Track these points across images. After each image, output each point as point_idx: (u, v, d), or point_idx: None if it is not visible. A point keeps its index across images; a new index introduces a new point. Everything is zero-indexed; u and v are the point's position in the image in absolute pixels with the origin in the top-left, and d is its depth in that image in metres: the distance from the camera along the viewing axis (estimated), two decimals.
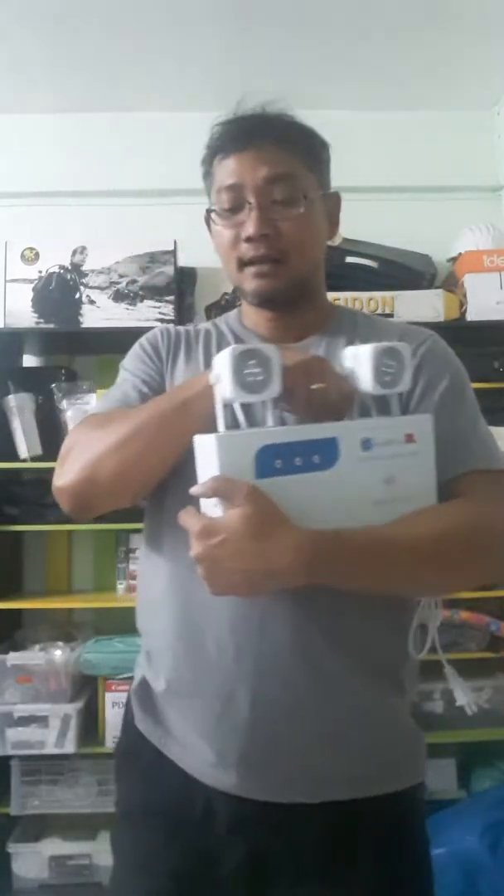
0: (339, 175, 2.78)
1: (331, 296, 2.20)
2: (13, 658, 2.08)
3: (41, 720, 2.05)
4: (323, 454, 0.80)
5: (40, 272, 2.29)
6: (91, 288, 2.29)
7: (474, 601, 2.12)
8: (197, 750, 0.91)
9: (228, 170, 0.96)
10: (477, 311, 2.22)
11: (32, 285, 2.29)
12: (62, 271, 2.30)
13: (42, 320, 2.27)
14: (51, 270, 2.30)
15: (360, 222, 2.41)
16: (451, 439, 0.90)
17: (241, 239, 0.95)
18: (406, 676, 0.96)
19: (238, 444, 0.77)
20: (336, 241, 2.32)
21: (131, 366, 1.04)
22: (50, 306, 2.28)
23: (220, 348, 0.94)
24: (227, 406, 0.82)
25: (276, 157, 0.95)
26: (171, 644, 0.92)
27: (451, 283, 2.34)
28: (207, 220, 1.03)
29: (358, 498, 0.82)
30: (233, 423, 0.81)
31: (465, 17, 2.10)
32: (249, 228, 0.94)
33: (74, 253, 2.31)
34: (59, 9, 2.04)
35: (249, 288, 0.98)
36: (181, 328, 1.08)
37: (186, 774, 0.92)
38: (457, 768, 2.18)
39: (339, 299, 2.20)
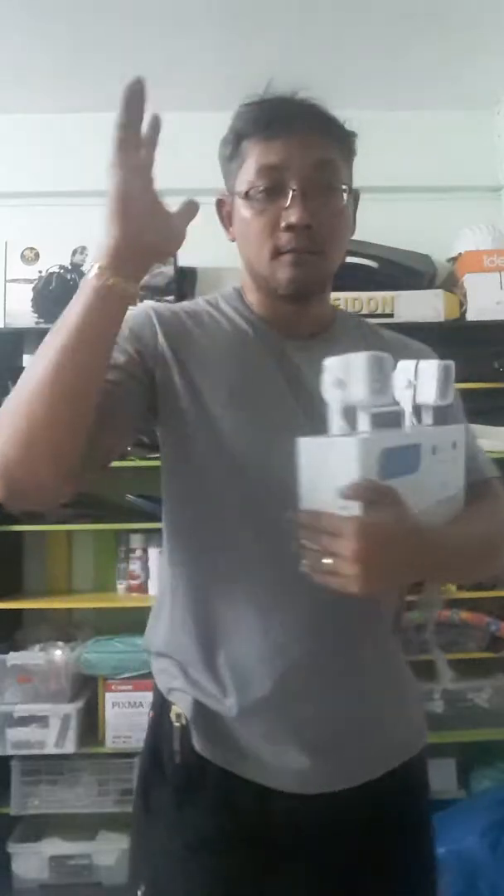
0: None
1: (331, 296, 2.22)
2: (13, 658, 2.08)
3: (41, 720, 2.05)
4: (413, 459, 0.85)
5: (40, 272, 2.29)
6: None
7: (474, 601, 2.13)
8: (279, 758, 0.90)
9: (273, 149, 0.90)
10: (477, 311, 2.22)
11: (32, 285, 2.29)
12: (62, 271, 2.30)
13: (42, 320, 2.27)
14: (51, 270, 2.30)
15: (360, 222, 2.41)
16: (468, 451, 0.97)
17: (278, 226, 0.90)
18: (398, 647, 1.03)
19: (370, 447, 0.78)
20: None
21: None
22: (50, 306, 2.27)
23: (235, 334, 0.96)
24: (350, 409, 0.82)
25: (322, 142, 0.92)
26: (255, 666, 0.89)
27: (451, 283, 2.34)
28: (221, 203, 0.99)
29: (430, 499, 0.87)
30: (349, 427, 0.82)
31: (465, 18, 2.10)
32: (293, 217, 0.88)
33: (74, 253, 2.31)
34: (60, 9, 2.04)
35: (284, 277, 0.92)
36: (175, 308, 1.01)
37: (262, 791, 0.90)
38: (457, 768, 2.18)
39: (339, 299, 2.21)
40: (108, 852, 2.10)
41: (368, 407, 0.81)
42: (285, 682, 0.89)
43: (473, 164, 2.54)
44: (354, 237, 2.40)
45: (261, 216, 0.91)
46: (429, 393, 0.87)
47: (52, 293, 2.28)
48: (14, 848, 2.11)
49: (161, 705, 0.97)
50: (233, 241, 0.99)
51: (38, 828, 2.17)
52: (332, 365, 0.80)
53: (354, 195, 1.00)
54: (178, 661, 0.95)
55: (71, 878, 2.09)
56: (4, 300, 2.28)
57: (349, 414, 0.81)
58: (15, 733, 2.05)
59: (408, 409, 0.90)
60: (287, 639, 0.89)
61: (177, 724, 0.92)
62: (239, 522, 0.91)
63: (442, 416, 0.92)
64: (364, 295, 2.22)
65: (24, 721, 2.05)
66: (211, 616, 0.92)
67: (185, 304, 1.03)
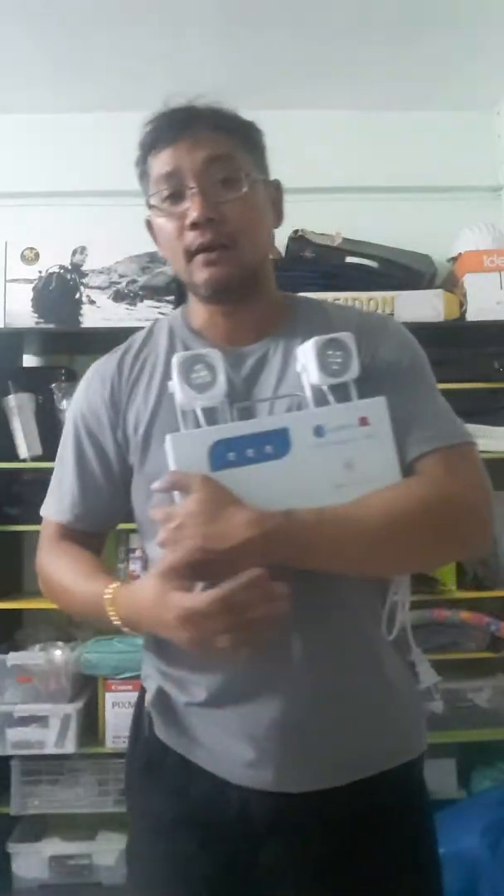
0: (340, 175, 2.80)
1: (331, 296, 2.22)
2: (13, 658, 2.08)
3: (41, 720, 2.05)
4: (275, 444, 0.85)
5: (40, 272, 2.29)
6: (91, 288, 2.29)
7: (474, 601, 2.13)
8: (232, 753, 0.91)
9: (165, 158, 0.92)
10: (477, 311, 2.22)
11: (32, 285, 2.28)
12: (62, 271, 2.30)
13: (42, 320, 2.27)
14: (51, 270, 2.29)
15: (360, 222, 2.42)
16: (411, 420, 0.91)
17: (185, 228, 0.91)
18: (388, 650, 0.97)
19: (192, 441, 0.84)
20: (336, 242, 2.33)
21: (71, 446, 1.03)
22: (50, 306, 2.27)
23: (165, 363, 0.98)
24: (188, 412, 0.89)
25: (212, 139, 0.93)
26: (207, 664, 0.91)
27: (451, 283, 2.34)
28: (149, 224, 1.00)
29: (317, 483, 0.85)
30: (195, 425, 0.88)
31: (465, 17, 2.10)
32: (193, 213, 0.90)
33: (74, 253, 2.30)
34: (59, 9, 2.04)
35: (200, 279, 0.93)
36: (113, 362, 1.02)
37: (216, 779, 0.92)
38: (457, 768, 2.18)
39: (339, 299, 2.20)
40: (108, 852, 2.10)
41: (188, 406, 0.88)
42: (231, 682, 0.91)
43: (473, 164, 2.54)
44: (354, 237, 2.41)
45: (168, 222, 0.94)
46: (313, 372, 0.89)
47: (52, 293, 2.28)
48: (14, 848, 2.11)
49: (141, 692, 1.04)
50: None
51: (38, 828, 2.17)
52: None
53: (274, 185, 1.01)
54: (151, 653, 1.01)
55: (71, 878, 2.09)
56: (4, 300, 2.28)
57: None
58: (15, 733, 2.05)
59: (307, 391, 0.91)
60: None
61: (146, 710, 0.99)
62: None
63: (366, 392, 0.90)
64: (364, 295, 2.21)
65: (24, 721, 2.05)
66: None
67: (119, 355, 1.04)
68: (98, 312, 2.27)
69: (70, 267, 2.30)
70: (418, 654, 0.98)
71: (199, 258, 0.92)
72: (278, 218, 1.02)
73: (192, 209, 0.90)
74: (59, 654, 2.08)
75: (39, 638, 2.18)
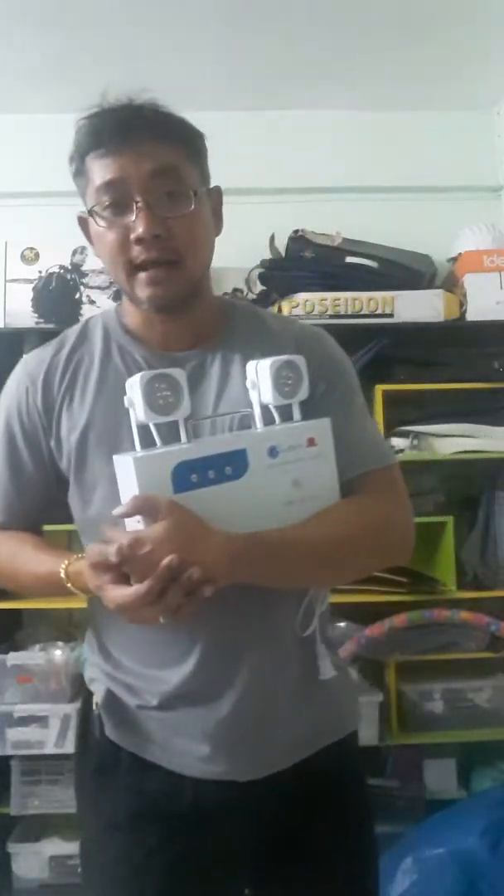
0: (340, 175, 2.80)
1: (331, 296, 2.22)
2: (13, 658, 2.08)
3: (41, 720, 2.05)
4: (234, 465, 0.87)
5: (40, 272, 2.29)
6: (91, 288, 2.29)
7: (474, 601, 2.13)
8: (186, 750, 0.95)
9: (108, 165, 0.90)
10: (477, 311, 2.22)
11: (32, 285, 2.28)
12: (62, 271, 2.30)
13: (42, 320, 2.27)
14: (51, 270, 2.29)
15: (360, 222, 2.42)
16: (349, 440, 0.96)
17: (129, 241, 0.90)
18: (306, 646, 1.01)
19: (155, 463, 0.83)
20: (336, 242, 2.33)
21: (3, 448, 1.02)
22: (50, 306, 2.27)
23: (109, 362, 0.97)
24: (142, 427, 0.87)
25: (158, 150, 0.90)
26: (168, 664, 0.95)
27: (451, 283, 2.34)
28: (83, 222, 0.99)
29: (270, 502, 0.89)
30: (149, 443, 0.87)
31: (465, 18, 2.10)
32: (139, 229, 0.88)
33: (74, 253, 2.30)
34: (59, 9, 2.04)
35: (144, 295, 0.92)
36: (45, 362, 0.99)
37: (171, 774, 0.96)
38: (457, 768, 2.18)
39: (339, 299, 2.21)
40: None
41: (149, 423, 0.86)
42: (181, 688, 0.94)
43: (473, 164, 2.54)
44: (354, 237, 2.41)
45: (111, 232, 0.91)
46: (267, 392, 0.90)
47: (52, 293, 2.28)
48: (14, 848, 2.11)
49: (86, 694, 1.05)
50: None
51: (38, 828, 2.17)
52: (127, 387, 0.88)
53: (213, 192, 1.01)
54: (96, 657, 1.03)
55: (71, 878, 2.08)
56: (4, 300, 2.28)
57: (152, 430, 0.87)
58: (15, 733, 2.05)
59: (256, 409, 0.92)
60: (178, 650, 0.93)
61: (95, 712, 1.00)
62: None
63: (305, 412, 0.93)
64: (364, 295, 2.21)
65: (24, 721, 2.05)
66: (108, 625, 1.00)
67: (51, 354, 1.00)
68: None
69: (70, 267, 2.30)
70: (322, 649, 1.01)
71: (144, 275, 0.91)
72: (219, 224, 1.03)
73: (138, 224, 0.88)
74: (59, 654, 2.08)
75: (39, 638, 2.18)
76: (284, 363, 0.91)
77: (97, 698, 1.00)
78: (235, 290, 2.37)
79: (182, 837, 0.94)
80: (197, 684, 0.93)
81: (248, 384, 0.92)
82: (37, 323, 2.27)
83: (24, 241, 2.31)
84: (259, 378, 0.91)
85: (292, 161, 2.51)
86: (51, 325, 2.27)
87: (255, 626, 0.94)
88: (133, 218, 0.89)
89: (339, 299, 2.20)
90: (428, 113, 2.54)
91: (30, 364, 1.01)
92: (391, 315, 2.21)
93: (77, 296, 2.28)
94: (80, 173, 0.97)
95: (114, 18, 2.09)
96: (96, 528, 0.89)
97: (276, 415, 0.92)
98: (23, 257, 2.30)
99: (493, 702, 2.15)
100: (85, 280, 2.29)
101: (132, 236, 0.89)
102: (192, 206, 0.91)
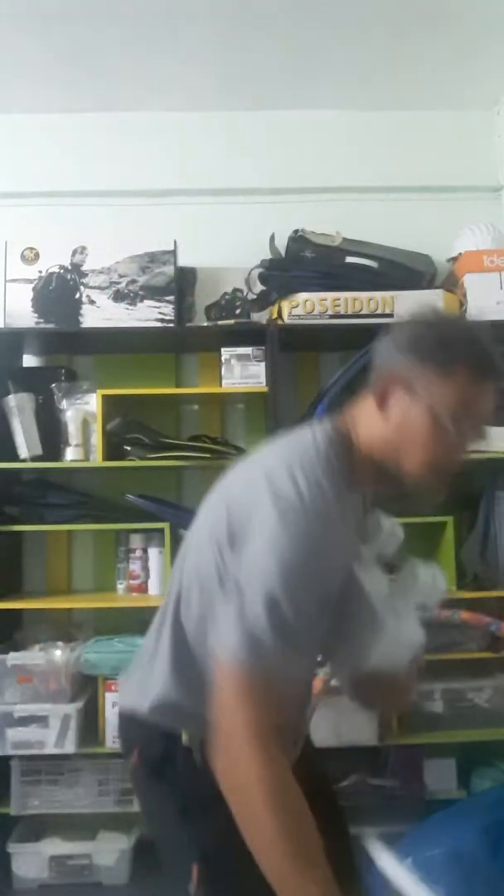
0: (340, 175, 2.79)
1: (331, 296, 2.22)
2: (13, 658, 2.07)
3: (41, 720, 2.05)
4: None
5: (40, 272, 2.29)
6: (91, 288, 2.29)
7: (474, 601, 2.12)
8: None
9: (489, 397, 1.02)
10: (477, 311, 2.22)
11: (32, 285, 2.28)
12: (62, 271, 2.30)
13: (42, 320, 2.27)
14: (51, 270, 2.30)
15: (360, 222, 2.42)
16: None
17: (458, 454, 1.03)
18: None
19: None
20: (336, 242, 2.34)
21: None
22: (50, 306, 2.27)
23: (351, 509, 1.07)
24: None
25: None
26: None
27: (451, 283, 2.34)
28: (392, 385, 1.04)
29: None
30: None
31: (465, 18, 2.10)
32: (467, 450, 1.04)
33: (74, 253, 2.30)
34: (59, 9, 2.04)
35: (434, 490, 1.06)
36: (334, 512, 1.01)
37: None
38: (457, 768, 2.18)
39: (339, 299, 2.21)
40: (108, 852, 2.10)
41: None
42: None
43: (473, 164, 2.54)
44: (354, 237, 2.40)
45: (452, 441, 1.02)
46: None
47: (52, 293, 2.28)
48: (14, 848, 2.11)
49: (169, 735, 1.09)
50: (383, 419, 1.05)
51: (38, 828, 2.17)
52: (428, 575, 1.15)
53: None
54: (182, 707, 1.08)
55: (71, 878, 2.08)
56: (4, 300, 2.28)
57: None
58: (15, 733, 2.05)
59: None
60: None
61: (187, 745, 1.07)
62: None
63: None
64: (364, 295, 2.22)
65: (24, 721, 2.05)
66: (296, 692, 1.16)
67: (331, 486, 0.99)
68: (98, 312, 2.27)
69: (70, 267, 2.30)
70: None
71: (444, 479, 1.05)
72: None
73: (470, 446, 1.04)
74: (59, 654, 2.07)
75: (39, 638, 2.18)
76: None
77: (191, 733, 1.07)
78: (235, 290, 2.37)
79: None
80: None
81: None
82: (37, 323, 2.27)
83: (24, 241, 2.32)
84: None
85: (292, 161, 2.51)
86: (51, 325, 2.27)
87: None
88: (474, 441, 1.04)
89: (339, 299, 2.20)
90: (428, 113, 2.54)
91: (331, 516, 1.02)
92: (391, 315, 2.21)
93: (77, 296, 2.28)
94: (447, 374, 1.01)
95: (113, 19, 2.09)
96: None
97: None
98: (23, 257, 2.30)
99: (493, 702, 2.15)
100: (85, 280, 2.29)
101: (459, 453, 1.04)
102: None
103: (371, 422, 1.06)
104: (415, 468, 1.03)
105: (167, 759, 1.10)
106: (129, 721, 1.15)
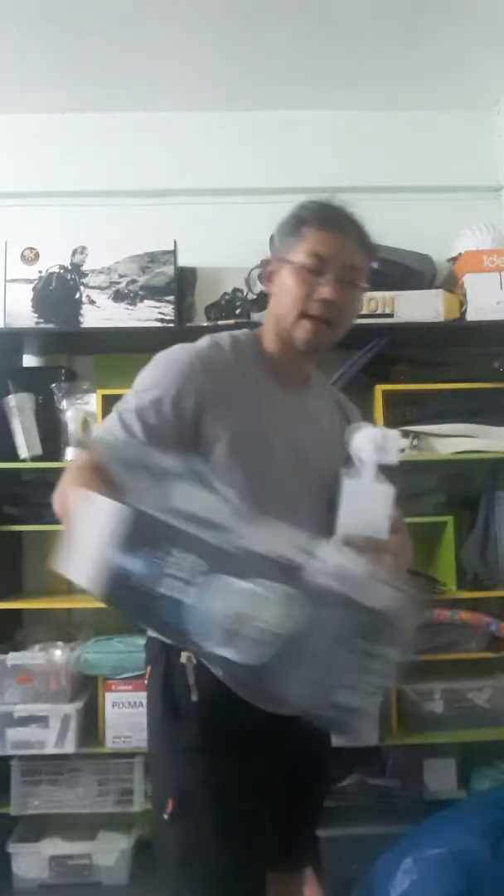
0: (340, 175, 2.79)
1: None
2: (13, 658, 2.07)
3: (41, 720, 2.05)
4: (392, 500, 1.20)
5: (40, 272, 2.29)
6: (91, 288, 2.29)
7: (474, 601, 2.13)
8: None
9: (326, 241, 1.19)
10: (477, 311, 2.22)
11: (32, 285, 2.28)
12: (62, 271, 2.30)
13: (42, 320, 2.27)
14: (51, 270, 2.29)
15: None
16: None
17: (312, 297, 1.18)
18: None
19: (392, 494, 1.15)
20: None
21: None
22: (50, 306, 2.27)
23: (255, 376, 1.22)
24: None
25: (360, 251, 1.22)
26: None
27: (451, 283, 2.34)
28: (270, 264, 1.26)
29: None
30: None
31: (465, 18, 2.10)
32: (326, 292, 1.17)
33: (74, 253, 2.30)
34: (59, 9, 2.04)
35: (301, 336, 1.20)
36: (205, 360, 1.20)
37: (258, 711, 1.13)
38: (457, 768, 2.18)
39: None
40: (108, 852, 2.10)
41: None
42: None
43: (473, 164, 2.54)
44: None
45: (300, 283, 1.19)
46: (369, 452, 1.14)
47: (52, 293, 2.28)
48: (14, 848, 2.11)
49: (167, 654, 1.19)
50: (267, 294, 1.28)
51: (38, 828, 2.17)
52: (374, 435, 1.14)
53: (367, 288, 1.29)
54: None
55: (71, 878, 2.09)
56: (4, 300, 2.28)
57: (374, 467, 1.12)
58: (15, 733, 2.05)
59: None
60: None
61: (190, 665, 1.15)
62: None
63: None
64: (364, 295, 2.21)
65: (24, 721, 2.05)
66: None
67: (215, 346, 1.23)
68: (98, 312, 2.27)
69: (70, 267, 2.30)
70: None
71: (307, 323, 1.19)
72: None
73: (327, 290, 1.18)
74: (59, 654, 2.07)
75: (39, 638, 2.18)
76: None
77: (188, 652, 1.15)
78: (235, 289, 2.37)
79: (270, 756, 1.19)
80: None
81: (373, 447, 1.15)
82: (37, 323, 2.27)
83: (24, 241, 2.32)
84: (388, 443, 1.15)
85: (292, 161, 2.51)
86: (51, 325, 2.27)
87: None
88: (322, 283, 1.18)
89: None
90: (428, 113, 2.54)
91: (199, 359, 1.20)
92: (391, 315, 2.21)
93: (77, 296, 2.28)
94: (293, 234, 1.22)
95: (113, 19, 2.09)
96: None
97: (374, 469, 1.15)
98: (23, 257, 2.30)
99: (493, 702, 2.15)
100: (85, 280, 2.29)
101: (316, 296, 1.18)
102: (358, 294, 1.25)
103: (268, 309, 1.28)
104: (286, 313, 1.20)
105: (167, 676, 1.19)
106: (147, 641, 1.26)
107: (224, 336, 1.26)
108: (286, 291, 1.21)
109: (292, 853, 1.34)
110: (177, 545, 0.67)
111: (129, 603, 0.68)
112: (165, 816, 1.17)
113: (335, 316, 1.20)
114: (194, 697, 1.15)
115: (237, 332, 1.28)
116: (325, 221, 1.21)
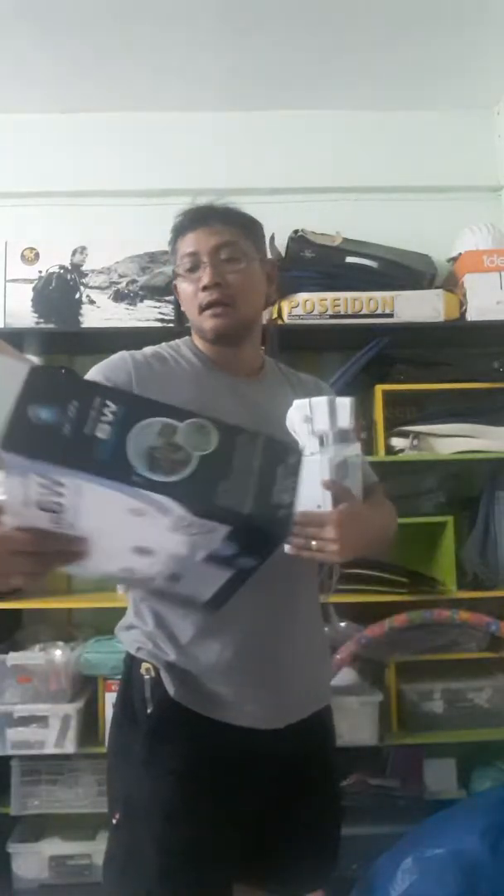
0: (340, 175, 2.79)
1: (331, 296, 2.22)
2: (13, 658, 2.07)
3: (41, 720, 2.05)
4: (353, 468, 1.23)
5: (40, 272, 2.29)
6: (91, 288, 2.29)
7: (474, 601, 2.13)
8: (241, 704, 1.17)
9: (188, 242, 1.24)
10: (477, 311, 2.22)
11: (32, 285, 2.28)
12: (62, 271, 2.30)
13: (42, 320, 2.27)
14: (51, 270, 2.29)
15: (360, 222, 2.42)
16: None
17: (199, 289, 1.23)
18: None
19: (333, 460, 1.15)
20: (336, 242, 2.33)
21: None
22: (50, 306, 2.27)
23: (192, 370, 1.25)
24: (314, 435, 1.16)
25: (222, 230, 1.24)
26: (210, 642, 1.18)
27: (451, 283, 2.34)
28: (174, 287, 1.32)
29: (358, 495, 1.23)
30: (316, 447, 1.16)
31: (465, 17, 2.10)
32: (205, 279, 1.21)
33: (74, 253, 2.30)
34: (60, 9, 2.04)
35: (208, 326, 1.24)
36: (140, 355, 1.25)
37: (224, 727, 1.16)
38: (457, 768, 2.18)
39: (339, 299, 2.21)
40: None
41: (328, 433, 1.13)
42: (237, 652, 1.17)
43: (473, 164, 2.54)
44: (354, 237, 2.42)
45: (188, 285, 1.25)
46: (322, 422, 1.16)
47: (52, 293, 2.28)
48: (14, 848, 2.11)
49: (130, 664, 1.24)
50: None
51: (38, 828, 2.17)
52: (301, 405, 1.16)
53: (267, 263, 1.32)
54: (144, 631, 1.23)
55: (71, 878, 2.09)
56: (4, 300, 2.28)
57: (312, 438, 1.14)
58: (15, 733, 2.05)
59: (304, 434, 1.16)
60: (240, 625, 1.17)
61: (147, 677, 1.19)
62: None
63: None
64: (364, 295, 2.22)
65: (24, 721, 2.05)
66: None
67: (151, 349, 1.29)
68: (98, 312, 2.27)
69: (70, 267, 2.30)
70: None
71: (208, 312, 1.23)
72: (273, 288, 1.33)
73: (204, 276, 1.22)
74: (59, 654, 2.07)
75: (39, 638, 2.18)
76: (331, 400, 1.17)
77: (150, 665, 1.19)
78: (189, 338, 2.37)
79: (231, 779, 1.16)
80: (248, 649, 1.18)
81: (301, 417, 1.17)
82: (37, 323, 2.27)
83: (24, 241, 2.32)
84: (314, 411, 1.16)
85: (292, 161, 2.51)
86: (51, 325, 2.27)
87: (294, 601, 1.22)
88: (201, 274, 1.22)
89: (339, 299, 2.21)
90: (428, 113, 2.54)
91: (133, 352, 1.25)
92: (391, 315, 2.21)
93: (77, 296, 2.28)
94: (173, 252, 1.29)
95: (114, 19, 2.09)
96: None
97: (330, 438, 1.16)
98: (23, 257, 2.30)
99: (493, 702, 2.15)
100: (85, 280, 2.29)
101: (200, 285, 1.22)
102: (244, 265, 1.24)
103: None
104: (191, 316, 1.27)
105: (128, 685, 1.24)
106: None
107: (162, 344, 1.32)
108: (183, 299, 1.28)
109: (275, 878, 1.27)
110: (95, 395, 0.71)
111: (58, 453, 0.70)
112: (114, 822, 1.22)
113: (227, 295, 1.22)
114: (149, 710, 1.18)
115: (178, 340, 1.34)
116: (185, 224, 1.27)
